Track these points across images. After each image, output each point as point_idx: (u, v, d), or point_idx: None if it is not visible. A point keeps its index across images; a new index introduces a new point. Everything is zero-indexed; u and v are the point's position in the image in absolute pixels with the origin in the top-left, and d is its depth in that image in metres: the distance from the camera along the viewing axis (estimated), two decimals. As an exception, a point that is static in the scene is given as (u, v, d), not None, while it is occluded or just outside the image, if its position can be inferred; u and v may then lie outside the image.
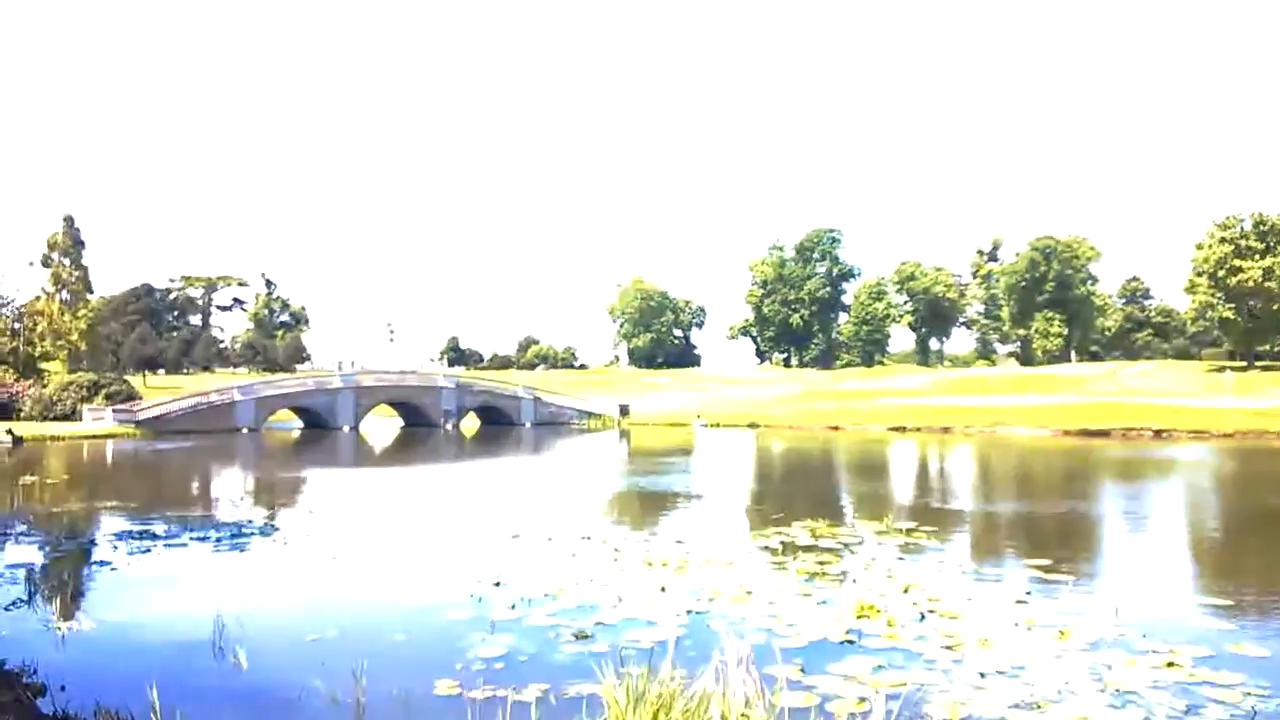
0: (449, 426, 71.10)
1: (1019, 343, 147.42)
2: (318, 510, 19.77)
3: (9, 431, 45.61)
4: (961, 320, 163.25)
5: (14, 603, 10.89)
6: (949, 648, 8.79)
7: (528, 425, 74.12)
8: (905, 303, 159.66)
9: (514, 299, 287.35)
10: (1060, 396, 67.50)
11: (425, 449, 50.44)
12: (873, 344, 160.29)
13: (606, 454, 45.68)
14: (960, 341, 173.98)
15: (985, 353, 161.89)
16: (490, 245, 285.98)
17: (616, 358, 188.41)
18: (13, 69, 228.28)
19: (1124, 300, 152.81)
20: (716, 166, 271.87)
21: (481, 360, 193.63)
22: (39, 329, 78.60)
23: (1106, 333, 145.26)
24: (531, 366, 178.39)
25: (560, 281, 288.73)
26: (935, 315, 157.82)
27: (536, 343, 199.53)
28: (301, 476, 32.11)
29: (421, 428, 70.44)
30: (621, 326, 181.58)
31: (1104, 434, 50.83)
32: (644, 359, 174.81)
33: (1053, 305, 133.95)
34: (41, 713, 6.46)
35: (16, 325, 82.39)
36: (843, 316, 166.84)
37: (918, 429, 58.72)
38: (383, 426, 72.53)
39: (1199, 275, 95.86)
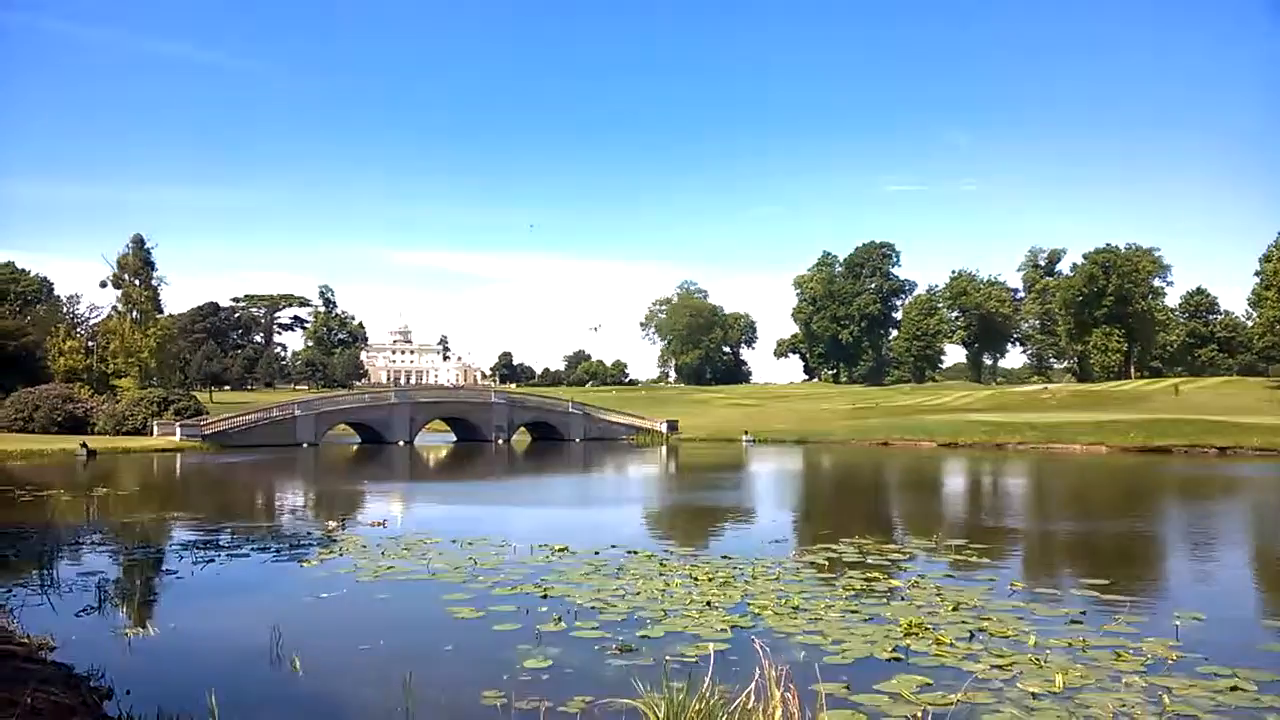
0: (500, 442, 71.75)
1: (1076, 358, 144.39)
2: (372, 523, 20.11)
3: (84, 445, 47.09)
4: (1015, 335, 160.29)
5: (85, 609, 11.30)
6: (1000, 667, 8.70)
7: (577, 441, 74.49)
8: (957, 318, 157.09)
9: (565, 315, 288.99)
10: (1119, 413, 65.97)
11: (478, 464, 50.97)
12: (924, 360, 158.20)
13: (655, 469, 45.72)
14: (1014, 357, 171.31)
15: (1040, 369, 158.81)
16: (543, 261, 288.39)
17: (665, 374, 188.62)
18: (83, 97, 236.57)
19: (1187, 315, 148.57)
20: (763, 181, 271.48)
21: (533, 376, 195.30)
22: (112, 347, 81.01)
23: (1169, 348, 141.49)
24: (581, 382, 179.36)
25: (610, 298, 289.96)
26: (988, 331, 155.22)
27: (586, 359, 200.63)
28: (359, 490, 32.68)
29: (474, 443, 71.15)
30: (670, 343, 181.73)
31: (1165, 451, 49.63)
32: (693, 375, 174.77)
33: (1112, 320, 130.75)
34: (108, 716, 6.71)
35: (91, 343, 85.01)
36: (893, 332, 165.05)
37: (970, 445, 57.89)
38: (436, 441, 73.43)
39: (1267, 288, 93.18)
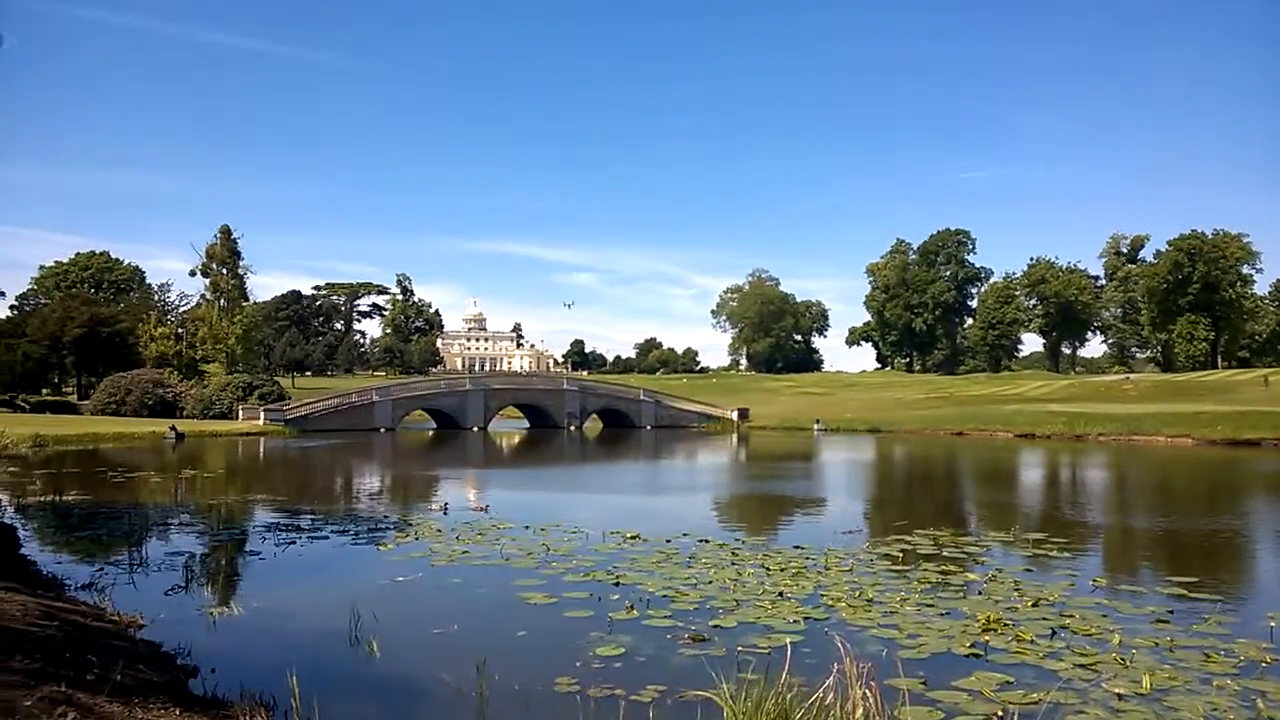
0: (572, 428, 72.31)
1: (1159, 348, 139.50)
2: (447, 508, 20.43)
3: (173, 428, 48.86)
4: (1096, 324, 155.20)
5: (173, 588, 11.69)
6: (1084, 667, 8.42)
7: (648, 428, 74.66)
8: (1035, 306, 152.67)
9: (637, 302, 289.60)
10: (1204, 404, 63.50)
11: (550, 450, 51.46)
12: (1000, 349, 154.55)
13: (726, 458, 45.57)
14: (1094, 346, 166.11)
15: (1122, 358, 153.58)
16: (614, 247, 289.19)
17: (736, 362, 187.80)
18: (173, 93, 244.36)
19: (1278, 303, 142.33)
20: (834, 169, 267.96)
21: (604, 364, 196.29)
22: (200, 333, 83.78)
23: (1257, 338, 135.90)
24: (652, 370, 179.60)
25: (682, 284, 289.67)
26: (1068, 319, 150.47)
27: (658, 346, 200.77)
28: (434, 475, 33.25)
29: (546, 429, 71.85)
30: (741, 331, 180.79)
31: (1253, 444, 47.70)
32: (763, 363, 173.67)
33: (1197, 308, 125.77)
34: (192, 693, 6.91)
35: (180, 330, 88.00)
36: (968, 320, 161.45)
37: (1047, 436, 56.43)
38: (510, 427, 74.31)
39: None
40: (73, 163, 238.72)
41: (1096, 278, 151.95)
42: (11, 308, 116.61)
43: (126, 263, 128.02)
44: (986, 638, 9.39)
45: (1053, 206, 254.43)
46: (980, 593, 11.71)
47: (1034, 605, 10.92)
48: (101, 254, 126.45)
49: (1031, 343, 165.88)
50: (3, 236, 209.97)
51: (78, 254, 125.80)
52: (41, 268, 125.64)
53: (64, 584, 11.21)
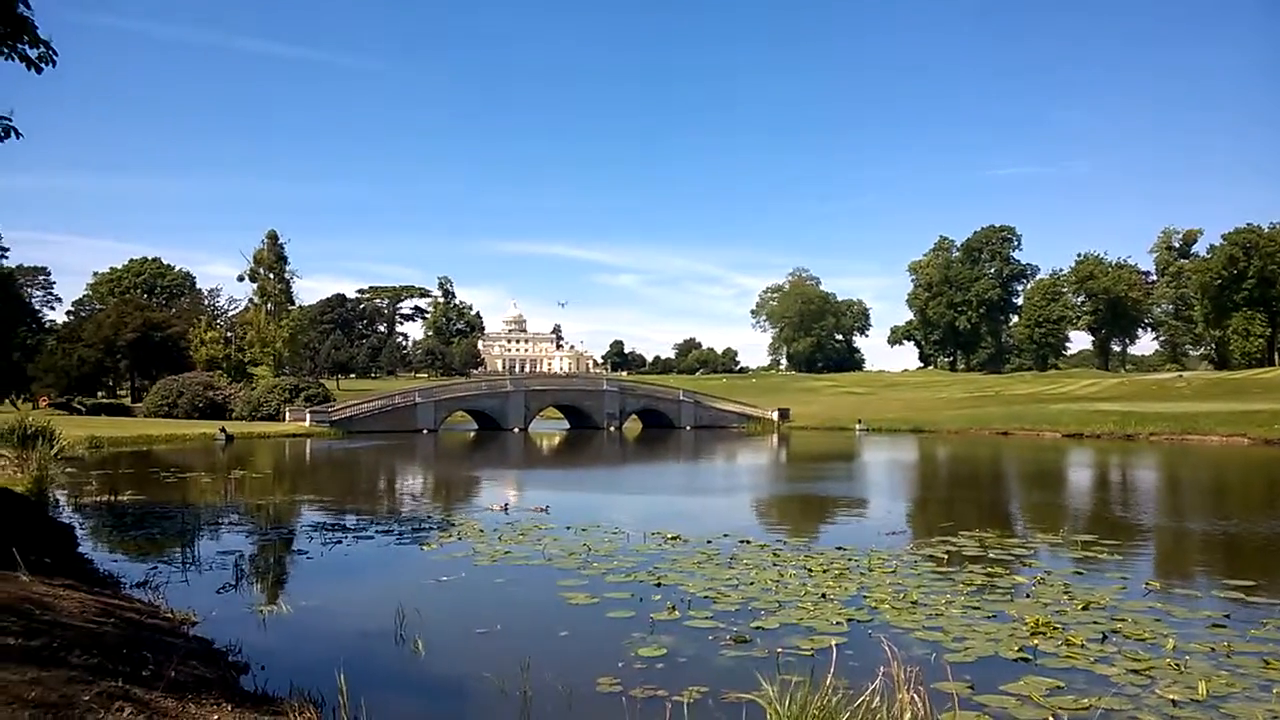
0: (612, 429, 72.44)
1: (1213, 345, 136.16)
2: (509, 507, 20.59)
3: (223, 429, 49.75)
4: (1147, 321, 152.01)
5: (224, 587, 11.92)
6: (1137, 672, 8.27)
7: (688, 429, 74.57)
8: (1083, 303, 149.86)
9: (677, 302, 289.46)
10: (1261, 403, 61.94)
11: (590, 450, 51.58)
12: (1047, 347, 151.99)
13: (766, 458, 45.37)
14: (1145, 344, 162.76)
15: (1174, 356, 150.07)
16: (653, 247, 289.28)
17: (777, 362, 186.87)
18: (219, 101, 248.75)
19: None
20: (874, 167, 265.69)
21: (643, 365, 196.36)
22: (248, 337, 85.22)
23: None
24: (692, 370, 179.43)
25: (722, 284, 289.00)
26: (1117, 316, 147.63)
27: (697, 347, 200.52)
28: (476, 476, 33.51)
29: (586, 430, 72.02)
30: (781, 330, 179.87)
31: (1314, 444, 46.42)
32: (804, 363, 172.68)
33: (1253, 304, 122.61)
34: (244, 690, 7.04)
35: (229, 334, 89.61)
36: (1014, 318, 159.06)
37: (1096, 436, 55.45)
38: (550, 428, 74.61)
39: None
40: (124, 171, 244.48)
41: (1147, 273, 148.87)
42: (68, 313, 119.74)
43: (177, 268, 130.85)
44: (1035, 641, 9.26)
45: (1101, 201, 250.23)
46: (1028, 595, 11.55)
47: (1084, 609, 10.75)
48: (153, 260, 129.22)
49: (1079, 341, 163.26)
50: (60, 245, 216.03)
51: (130, 260, 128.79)
52: (96, 274, 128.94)
53: (120, 582, 11.47)
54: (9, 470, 20.38)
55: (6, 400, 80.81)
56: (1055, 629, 9.72)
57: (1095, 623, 10.08)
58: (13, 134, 11.81)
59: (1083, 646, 9.09)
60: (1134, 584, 12.47)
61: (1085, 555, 14.73)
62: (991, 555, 14.55)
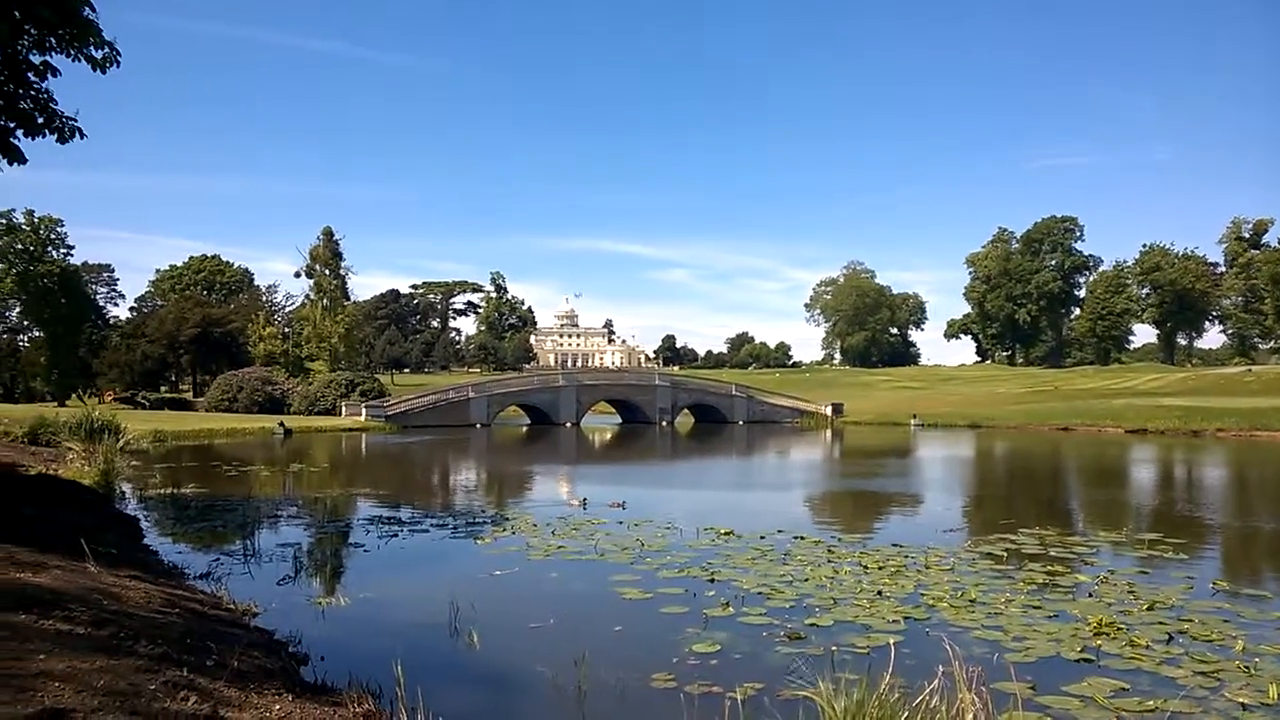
0: (664, 424, 72.45)
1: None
2: (543, 502, 20.73)
3: (281, 424, 50.77)
4: (1214, 313, 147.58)
5: (284, 578, 12.13)
6: (1204, 674, 8.03)
7: (740, 423, 74.32)
8: (1148, 295, 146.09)
9: (729, 296, 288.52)
10: (1337, 398, 59.93)
11: (642, 445, 51.65)
12: (1109, 340, 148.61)
13: (820, 453, 45.01)
14: (1212, 337, 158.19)
15: (1243, 349, 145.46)
16: (705, 242, 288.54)
17: (830, 356, 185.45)
18: (277, 100, 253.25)
19: None
20: (932, 157, 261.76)
21: (696, 359, 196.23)
22: (305, 332, 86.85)
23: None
24: (744, 365, 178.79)
25: (774, 278, 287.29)
26: (1184, 308, 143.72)
27: (750, 341, 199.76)
28: (529, 470, 33.73)
29: (638, 425, 72.13)
30: (835, 324, 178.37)
31: (1394, 441, 44.74)
32: (858, 357, 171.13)
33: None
34: (304, 680, 7.15)
35: (287, 329, 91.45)
36: (1075, 311, 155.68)
37: (1161, 432, 54.08)
38: (601, 423, 74.84)
39: None
40: (186, 170, 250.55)
41: (1215, 264, 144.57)
42: (131, 309, 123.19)
43: (236, 265, 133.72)
44: (1098, 642, 9.04)
45: (1167, 190, 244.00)
46: (1090, 595, 11.28)
47: (1149, 609, 10.48)
48: (213, 257, 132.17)
49: (1144, 334, 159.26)
50: (125, 242, 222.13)
51: (191, 258, 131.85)
52: (158, 271, 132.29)
53: (183, 573, 11.73)
54: (77, 463, 21.00)
55: (73, 395, 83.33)
56: (1119, 629, 9.47)
57: (1161, 623, 9.82)
58: (78, 134, 12.17)
59: (1148, 647, 8.85)
60: (1201, 584, 12.11)
61: (1150, 554, 14.35)
62: (1052, 553, 14.25)
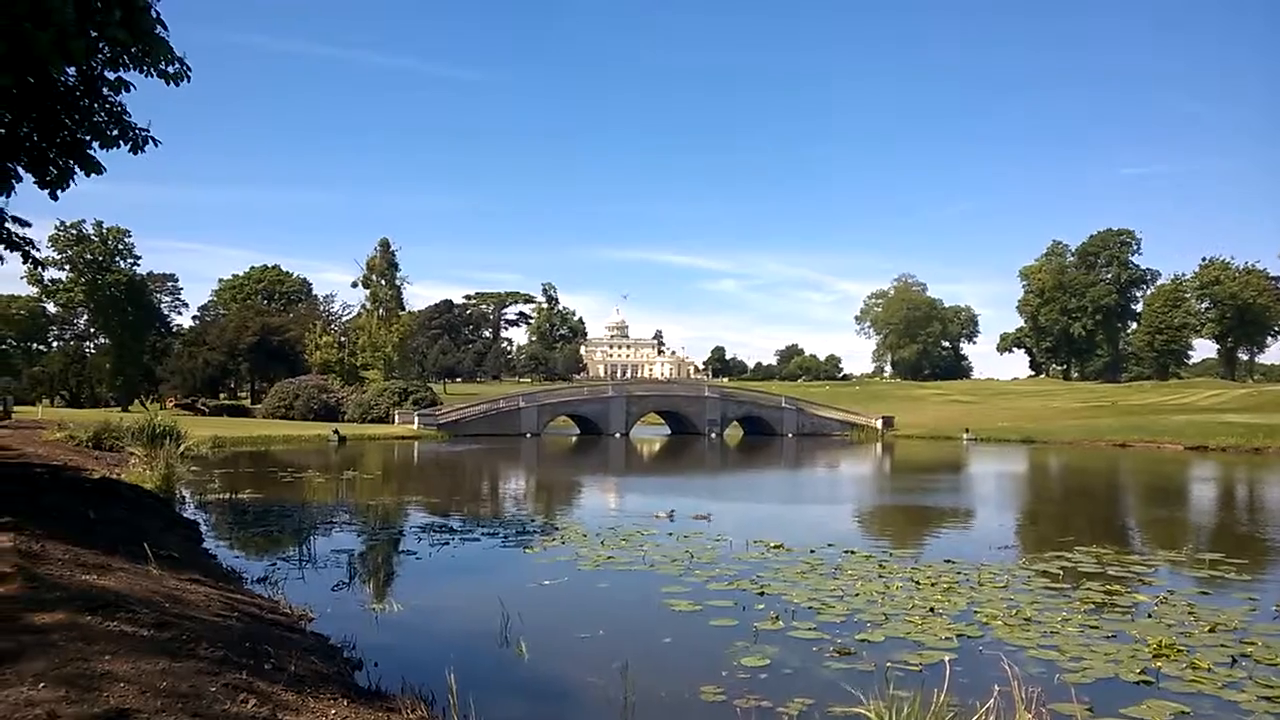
0: (713, 435, 72.25)
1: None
2: (593, 513, 20.79)
3: (336, 431, 51.61)
4: (1277, 328, 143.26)
5: (338, 584, 12.33)
6: (1270, 699, 7.79)
7: (789, 436, 73.84)
8: (1207, 309, 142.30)
9: (778, 308, 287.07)
10: None
11: (691, 457, 51.54)
12: (1168, 355, 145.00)
13: (870, 467, 44.52)
14: (1275, 352, 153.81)
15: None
16: (756, 253, 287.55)
17: (880, 368, 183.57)
18: (337, 115, 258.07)
19: None
20: (985, 169, 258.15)
21: (745, 370, 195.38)
22: (360, 341, 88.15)
23: None
24: (794, 377, 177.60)
25: (824, 290, 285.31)
26: (1245, 322, 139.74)
27: (800, 353, 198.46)
28: (579, 481, 33.85)
29: (686, 436, 72.02)
30: (886, 337, 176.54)
31: None
32: (909, 370, 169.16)
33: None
34: (359, 685, 7.26)
35: (343, 339, 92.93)
36: (1132, 325, 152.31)
37: (1222, 449, 52.60)
38: (650, 434, 74.83)
39: None
40: (249, 182, 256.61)
41: (1278, 279, 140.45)
42: (194, 318, 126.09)
43: (295, 275, 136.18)
44: (1158, 664, 8.82)
45: (1228, 203, 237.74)
46: (1150, 615, 11.02)
47: (1210, 630, 10.21)
48: (273, 267, 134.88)
49: (1203, 349, 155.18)
50: (189, 252, 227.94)
51: (252, 267, 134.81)
52: (220, 281, 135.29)
53: (242, 577, 11.96)
54: (139, 467, 21.56)
55: (136, 401, 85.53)
56: (1179, 651, 9.24)
57: (1223, 645, 9.55)
58: (152, 142, 12.57)
59: (1210, 670, 8.62)
60: (1265, 605, 11.76)
61: (1211, 574, 13.98)
62: (1110, 572, 13.95)
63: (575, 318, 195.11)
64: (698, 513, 20.53)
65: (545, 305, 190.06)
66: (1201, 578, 13.75)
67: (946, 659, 7.39)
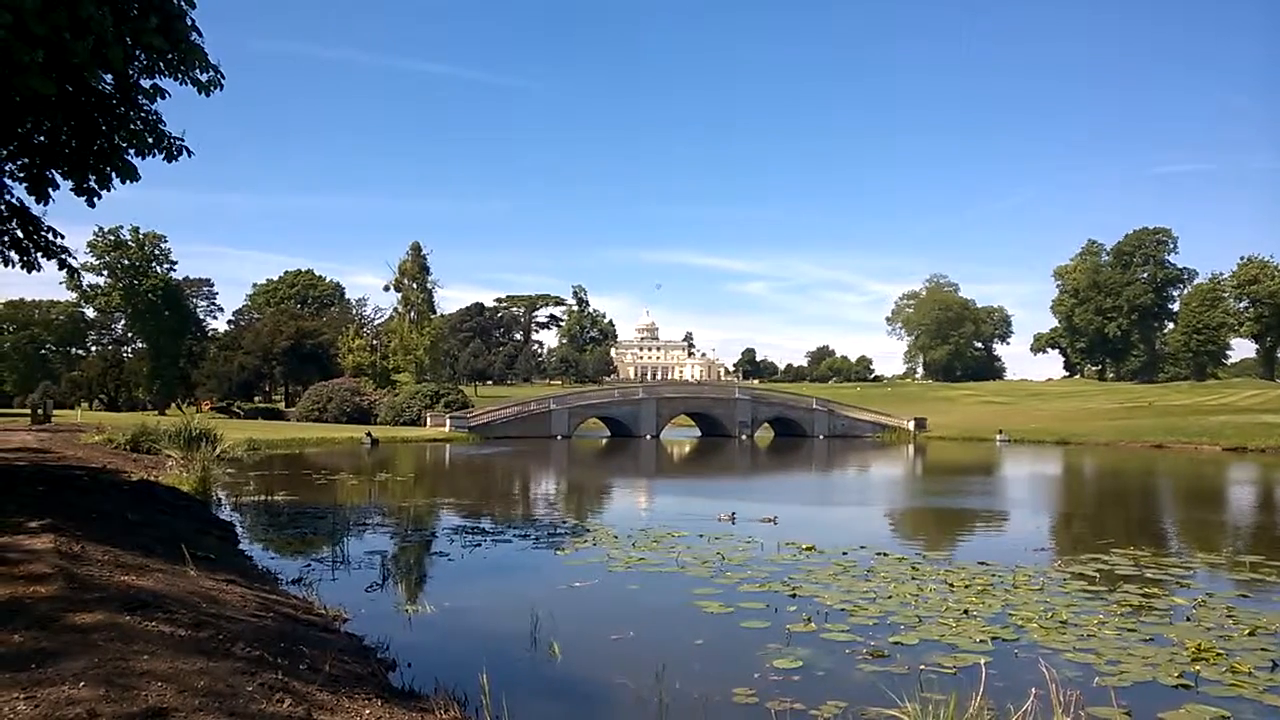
0: (743, 437, 72.05)
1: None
2: (622, 516, 20.79)
3: (368, 434, 52.03)
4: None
5: (371, 585, 12.41)
6: (1311, 704, 7.67)
7: (820, 437, 73.49)
8: (1246, 308, 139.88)
9: (809, 309, 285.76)
10: None
11: (721, 458, 51.43)
12: (1205, 355, 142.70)
13: (902, 469, 44.19)
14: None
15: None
16: (786, 255, 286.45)
17: (912, 370, 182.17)
18: (372, 121, 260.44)
19: None
20: (1019, 166, 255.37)
21: (775, 372, 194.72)
22: (392, 345, 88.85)
23: None
24: (824, 379, 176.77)
25: (856, 291, 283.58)
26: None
27: (830, 354, 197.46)
28: (608, 483, 33.88)
29: (718, 438, 71.87)
30: (917, 338, 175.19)
31: None
32: (941, 371, 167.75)
33: None
34: (392, 686, 7.31)
35: (375, 342, 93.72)
36: (1169, 325, 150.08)
37: (1261, 450, 51.68)
38: (681, 436, 74.74)
39: None
40: (282, 188, 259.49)
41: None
42: (229, 322, 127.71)
43: (328, 279, 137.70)
44: (1197, 668, 8.68)
45: (1267, 200, 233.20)
46: (1188, 618, 10.84)
47: (1250, 634, 10.02)
48: (306, 272, 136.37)
49: (1242, 349, 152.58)
50: (224, 257, 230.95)
51: (285, 272, 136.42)
52: (255, 285, 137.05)
53: (277, 578, 12.08)
54: (176, 470, 21.86)
55: (173, 404, 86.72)
56: (1219, 655, 9.08)
57: (1263, 649, 9.38)
58: (185, 152, 12.75)
59: (1250, 674, 8.46)
60: (1308, 609, 11.54)
61: (1251, 577, 13.73)
62: (1147, 574, 13.74)
63: (605, 320, 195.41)
64: (764, 516, 20.27)
65: (575, 308, 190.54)
66: (1241, 580, 13.52)
67: (982, 661, 7.33)
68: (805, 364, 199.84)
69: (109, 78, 11.70)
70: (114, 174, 12.71)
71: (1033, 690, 5.49)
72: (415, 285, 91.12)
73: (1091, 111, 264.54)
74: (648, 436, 69.31)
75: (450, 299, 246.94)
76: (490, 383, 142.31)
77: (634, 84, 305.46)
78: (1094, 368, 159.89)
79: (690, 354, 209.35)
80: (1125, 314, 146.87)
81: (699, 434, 78.54)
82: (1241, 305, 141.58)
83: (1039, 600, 11.69)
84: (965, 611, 10.93)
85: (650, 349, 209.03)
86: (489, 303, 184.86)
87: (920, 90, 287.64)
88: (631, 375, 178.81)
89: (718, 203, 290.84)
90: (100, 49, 9.46)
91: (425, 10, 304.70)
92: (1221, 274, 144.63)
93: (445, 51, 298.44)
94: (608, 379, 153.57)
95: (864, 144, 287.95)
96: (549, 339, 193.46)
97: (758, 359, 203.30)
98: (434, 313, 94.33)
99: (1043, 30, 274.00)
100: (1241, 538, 19.06)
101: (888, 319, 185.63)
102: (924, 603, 11.43)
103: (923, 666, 8.51)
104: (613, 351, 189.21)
